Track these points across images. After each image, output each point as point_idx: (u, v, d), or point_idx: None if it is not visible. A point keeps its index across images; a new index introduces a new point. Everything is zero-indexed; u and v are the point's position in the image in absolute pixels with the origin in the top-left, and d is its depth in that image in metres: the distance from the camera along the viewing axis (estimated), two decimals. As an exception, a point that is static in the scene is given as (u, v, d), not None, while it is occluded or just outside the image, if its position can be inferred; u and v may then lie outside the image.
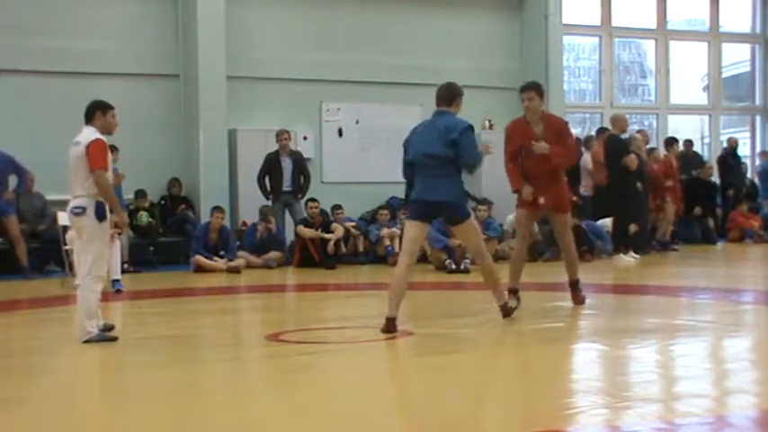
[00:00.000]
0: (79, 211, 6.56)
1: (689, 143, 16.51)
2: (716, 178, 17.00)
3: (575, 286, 7.71)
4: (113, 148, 12.69)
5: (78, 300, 6.60)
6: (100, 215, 6.55)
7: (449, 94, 6.77)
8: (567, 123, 7.72)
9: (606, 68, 17.71)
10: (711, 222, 15.85)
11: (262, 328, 7.38)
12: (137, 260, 12.57)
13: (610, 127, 13.12)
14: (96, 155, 6.61)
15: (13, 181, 11.98)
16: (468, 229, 6.79)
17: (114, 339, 6.61)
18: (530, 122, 7.41)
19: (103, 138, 6.74)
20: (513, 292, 7.40)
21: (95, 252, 6.53)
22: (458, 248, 11.25)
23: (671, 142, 15.16)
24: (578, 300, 7.68)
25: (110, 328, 6.76)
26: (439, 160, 6.56)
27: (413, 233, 6.71)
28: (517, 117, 7.70)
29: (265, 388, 5.15)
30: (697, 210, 15.48)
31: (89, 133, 6.73)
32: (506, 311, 6.92)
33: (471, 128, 6.63)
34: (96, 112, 6.82)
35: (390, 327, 6.51)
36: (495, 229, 12.53)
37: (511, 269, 7.62)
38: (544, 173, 7.32)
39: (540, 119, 7.40)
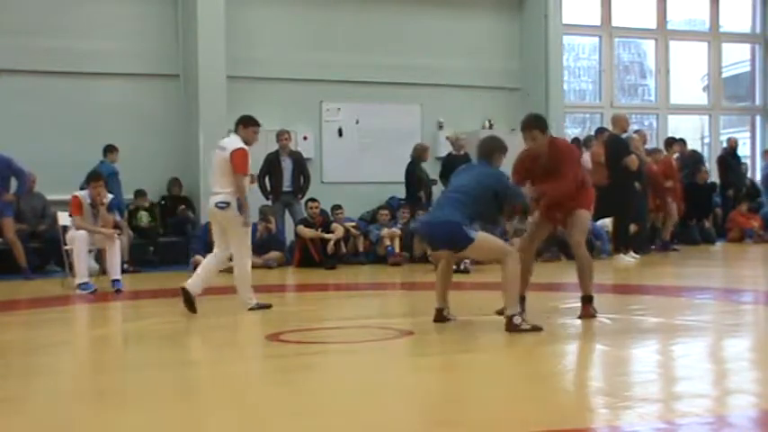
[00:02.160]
0: (224, 206, 7.99)
1: (682, 143, 16.47)
2: (716, 178, 17.01)
3: (586, 301, 7.10)
4: (113, 148, 12.76)
5: (236, 277, 8.02)
6: (241, 208, 7.97)
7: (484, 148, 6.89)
8: (571, 151, 7.20)
9: (606, 68, 17.72)
10: (709, 224, 15.87)
11: (262, 328, 7.37)
12: (137, 260, 12.57)
13: (610, 127, 13.12)
14: (239, 161, 7.97)
15: (13, 183, 11.96)
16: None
17: (268, 307, 7.97)
18: (535, 157, 7.01)
19: (246, 147, 8.01)
20: (520, 300, 6.98)
21: (240, 237, 8.01)
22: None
23: (671, 142, 15.17)
24: (585, 314, 7.05)
25: (267, 306, 8.02)
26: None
27: None
28: (523, 150, 7.19)
29: (265, 388, 5.14)
30: (692, 221, 15.49)
31: (235, 141, 8.10)
32: (509, 327, 6.43)
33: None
34: (239, 125, 8.16)
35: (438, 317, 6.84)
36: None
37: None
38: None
39: (545, 151, 6.95)
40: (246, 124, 8.15)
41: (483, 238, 6.53)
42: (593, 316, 7.02)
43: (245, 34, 14.36)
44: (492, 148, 6.84)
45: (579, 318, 6.99)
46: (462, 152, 14.15)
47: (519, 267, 6.51)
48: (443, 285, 6.95)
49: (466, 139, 14.34)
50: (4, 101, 13.17)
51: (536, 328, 6.40)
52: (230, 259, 8.17)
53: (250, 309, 7.95)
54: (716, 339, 6.49)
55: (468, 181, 6.68)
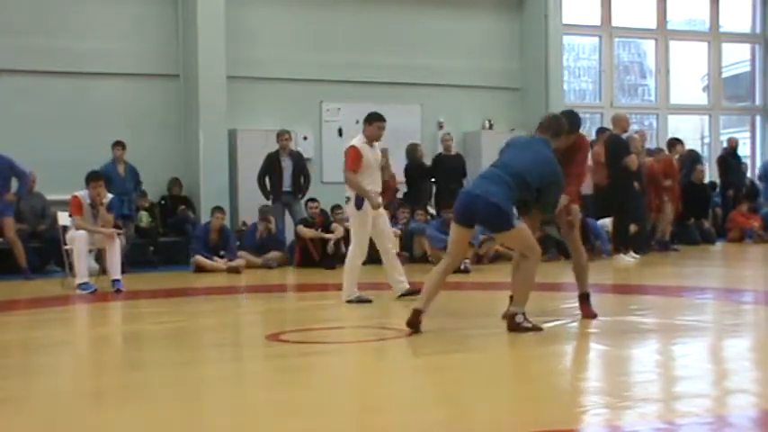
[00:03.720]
0: (346, 200, 8.50)
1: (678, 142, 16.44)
2: (716, 178, 17.01)
3: (584, 299, 7.09)
4: (121, 145, 12.65)
5: (345, 268, 8.46)
6: (358, 204, 8.28)
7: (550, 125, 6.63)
8: (587, 149, 7.19)
9: (606, 68, 17.72)
10: (708, 224, 15.87)
11: (262, 328, 7.37)
12: (136, 260, 12.55)
13: (611, 127, 13.13)
14: (348, 159, 8.34)
15: (13, 183, 11.95)
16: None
17: (369, 301, 8.31)
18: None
19: (360, 145, 8.33)
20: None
21: (353, 232, 8.53)
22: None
23: (673, 143, 15.18)
24: (588, 313, 7.04)
25: (367, 300, 8.38)
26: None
27: None
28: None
29: (265, 388, 5.14)
30: (691, 221, 15.48)
31: (354, 139, 8.50)
32: (511, 325, 6.42)
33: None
34: (364, 122, 8.46)
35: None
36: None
37: (512, 273, 7.09)
38: None
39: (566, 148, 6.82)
40: (370, 121, 8.41)
41: (523, 228, 6.43)
42: (595, 315, 6.99)
43: (245, 34, 14.36)
44: (559, 128, 6.56)
45: (585, 317, 6.96)
46: (453, 152, 14.24)
47: (536, 269, 6.49)
48: (434, 290, 6.61)
49: (452, 139, 14.38)
50: (4, 101, 13.17)
51: (536, 328, 6.39)
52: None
53: (348, 301, 8.31)
54: (716, 339, 6.49)
55: (522, 162, 6.38)
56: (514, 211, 6.36)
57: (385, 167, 8.68)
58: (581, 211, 7.22)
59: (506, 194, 6.30)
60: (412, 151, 14.14)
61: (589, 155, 13.11)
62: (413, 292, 8.34)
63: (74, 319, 8.56)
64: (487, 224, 6.61)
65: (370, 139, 8.47)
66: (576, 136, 6.87)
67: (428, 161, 14.41)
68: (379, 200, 8.49)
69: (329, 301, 9.47)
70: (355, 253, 8.44)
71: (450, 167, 14.00)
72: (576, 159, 6.90)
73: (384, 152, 8.61)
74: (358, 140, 8.47)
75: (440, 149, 14.77)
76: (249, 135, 14.07)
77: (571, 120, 6.85)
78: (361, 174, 8.37)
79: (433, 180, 14.24)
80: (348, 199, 8.42)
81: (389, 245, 8.65)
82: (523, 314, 6.41)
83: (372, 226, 8.47)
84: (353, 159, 8.34)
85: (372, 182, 8.45)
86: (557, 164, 6.48)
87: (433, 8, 15.75)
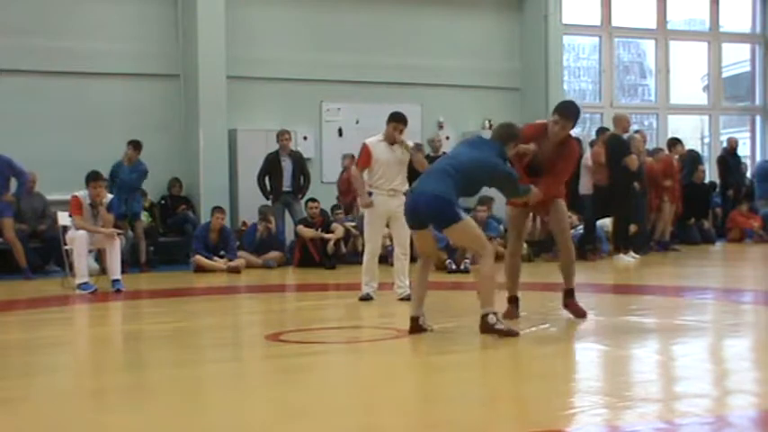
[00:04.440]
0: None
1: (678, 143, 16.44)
2: (716, 178, 17.00)
3: (569, 295, 7.06)
4: (137, 145, 12.56)
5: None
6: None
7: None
8: (576, 153, 7.09)
9: (606, 68, 17.71)
10: (708, 224, 15.87)
11: (262, 328, 7.37)
12: (136, 260, 12.55)
13: (612, 126, 13.13)
14: (358, 155, 8.66)
15: (13, 184, 11.95)
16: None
17: (408, 299, 7.84)
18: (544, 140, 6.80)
19: (372, 143, 8.46)
20: (513, 301, 7.07)
21: (365, 228, 8.68)
22: (459, 248, 11.23)
23: (674, 143, 15.18)
24: (577, 311, 7.00)
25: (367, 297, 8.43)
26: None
27: None
28: (540, 122, 7.09)
29: (265, 388, 5.14)
30: (691, 221, 15.48)
31: (372, 137, 8.62)
32: (483, 326, 6.20)
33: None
34: (386, 122, 8.51)
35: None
36: (496, 228, 12.48)
37: (507, 274, 7.12)
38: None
39: (558, 141, 6.78)
40: (388, 121, 8.49)
41: (469, 222, 6.37)
42: (585, 312, 6.96)
43: (245, 34, 14.36)
44: (509, 135, 6.52)
45: (576, 317, 6.96)
46: (441, 152, 14.20)
47: (494, 266, 6.30)
48: (420, 291, 6.51)
49: (441, 140, 14.36)
50: (4, 101, 13.16)
51: (511, 333, 6.17)
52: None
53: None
54: (716, 339, 6.49)
55: (467, 155, 6.39)
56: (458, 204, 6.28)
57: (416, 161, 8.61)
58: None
59: (449, 187, 6.22)
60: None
61: (588, 154, 13.25)
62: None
63: (74, 319, 8.56)
64: (433, 220, 6.41)
65: (387, 139, 8.47)
66: (572, 127, 6.78)
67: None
68: (368, 200, 8.48)
69: (329, 300, 9.49)
70: (367, 249, 8.56)
71: None
72: (563, 158, 6.79)
73: (406, 147, 8.51)
74: (374, 138, 8.57)
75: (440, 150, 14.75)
76: (249, 135, 14.07)
77: (567, 107, 6.83)
78: (374, 171, 8.45)
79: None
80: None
81: (398, 249, 8.61)
82: (495, 314, 6.19)
83: (390, 227, 8.69)
84: (361, 156, 8.55)
85: (386, 180, 8.45)
86: (498, 168, 6.37)
87: (433, 8, 15.75)
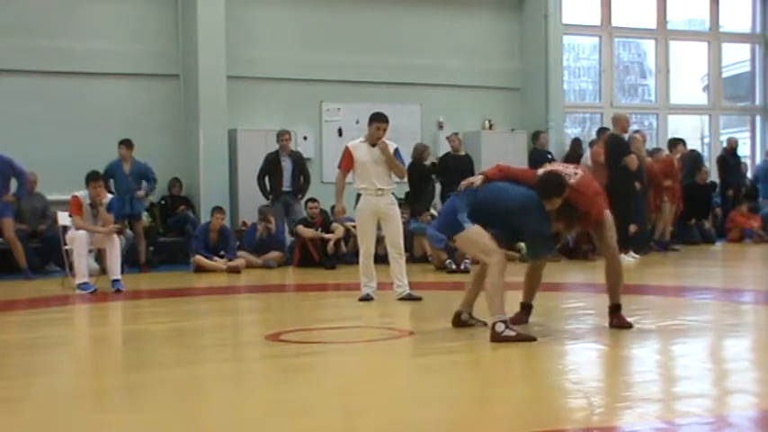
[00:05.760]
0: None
1: (682, 143, 16.45)
2: (716, 178, 17.01)
3: (615, 310, 6.68)
4: (126, 143, 12.55)
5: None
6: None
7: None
8: (579, 194, 6.45)
9: (606, 68, 17.70)
10: (708, 224, 15.87)
11: (262, 328, 7.37)
12: (136, 260, 12.54)
13: (611, 126, 13.13)
14: (341, 158, 8.64)
15: (13, 184, 11.94)
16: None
17: (419, 299, 8.33)
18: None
19: (353, 145, 8.55)
20: (525, 307, 6.88)
21: (357, 230, 8.75)
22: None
23: (675, 143, 15.18)
24: (622, 325, 6.61)
25: (417, 298, 8.38)
26: None
27: None
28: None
29: (265, 388, 5.14)
30: (692, 221, 15.47)
31: (354, 140, 8.78)
32: (492, 336, 6.09)
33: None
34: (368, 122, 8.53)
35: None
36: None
37: (525, 281, 6.91)
38: None
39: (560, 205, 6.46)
40: (370, 121, 8.55)
41: (473, 232, 6.24)
42: (631, 325, 6.61)
43: (245, 34, 14.35)
44: (551, 191, 6.19)
45: (612, 326, 6.62)
46: (464, 153, 14.17)
47: (501, 272, 6.15)
48: (474, 290, 6.63)
49: (460, 139, 14.31)
50: (4, 101, 13.16)
51: (523, 338, 6.10)
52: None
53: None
54: (716, 339, 6.49)
55: (517, 191, 6.25)
56: (466, 216, 6.23)
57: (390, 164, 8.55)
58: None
59: (463, 200, 6.28)
60: (419, 152, 13.95)
61: (587, 155, 13.25)
62: (411, 297, 8.35)
63: (74, 319, 8.57)
64: (444, 230, 6.48)
65: (370, 140, 8.47)
66: (559, 198, 6.30)
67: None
68: (340, 206, 8.65)
69: (329, 300, 9.49)
70: (361, 250, 8.59)
71: (455, 167, 13.76)
72: (579, 203, 6.38)
73: (383, 148, 8.43)
74: (356, 140, 8.68)
75: (440, 150, 14.76)
76: (249, 135, 14.07)
77: (542, 188, 6.32)
78: (357, 173, 8.50)
79: (434, 178, 14.13)
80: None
81: (392, 250, 8.58)
82: (504, 322, 6.09)
83: (381, 228, 8.71)
84: (344, 159, 8.61)
85: (365, 180, 8.46)
86: (533, 220, 6.23)
87: (433, 8, 15.74)
